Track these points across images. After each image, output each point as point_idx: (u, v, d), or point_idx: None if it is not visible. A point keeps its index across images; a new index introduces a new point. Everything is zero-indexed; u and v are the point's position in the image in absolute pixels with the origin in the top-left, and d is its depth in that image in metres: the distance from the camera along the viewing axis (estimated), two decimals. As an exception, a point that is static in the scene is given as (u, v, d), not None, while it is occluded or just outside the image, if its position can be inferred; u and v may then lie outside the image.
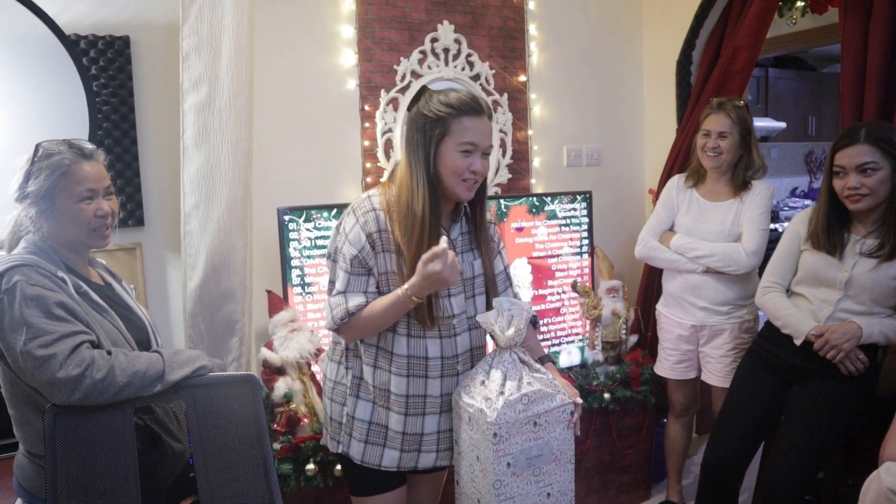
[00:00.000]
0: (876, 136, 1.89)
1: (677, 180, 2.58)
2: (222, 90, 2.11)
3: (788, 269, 2.14)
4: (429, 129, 1.56)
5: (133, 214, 2.24)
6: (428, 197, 1.56)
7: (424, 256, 1.50)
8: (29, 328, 1.31)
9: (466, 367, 1.69)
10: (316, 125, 2.55)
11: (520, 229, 2.67)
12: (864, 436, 2.20)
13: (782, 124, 5.60)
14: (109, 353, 1.37)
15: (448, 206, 1.68)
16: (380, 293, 1.63)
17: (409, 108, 1.65)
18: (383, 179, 2.67)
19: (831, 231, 2.01)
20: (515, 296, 1.84)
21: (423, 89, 1.63)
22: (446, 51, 2.77)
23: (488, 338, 1.71)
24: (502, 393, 1.50)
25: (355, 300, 1.60)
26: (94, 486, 1.37)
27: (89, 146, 1.53)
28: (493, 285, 1.77)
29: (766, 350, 2.16)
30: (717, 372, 2.48)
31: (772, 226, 2.41)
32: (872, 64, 2.30)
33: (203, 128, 2.10)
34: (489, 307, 1.73)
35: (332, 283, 1.66)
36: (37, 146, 1.46)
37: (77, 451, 1.37)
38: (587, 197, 2.83)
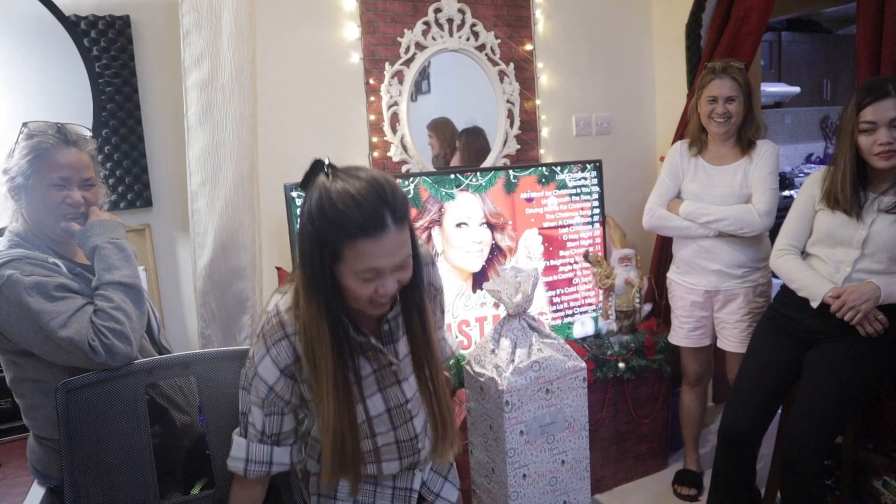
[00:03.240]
0: None
1: (680, 146, 2.54)
2: (224, 66, 2.09)
3: (803, 231, 2.10)
4: (318, 248, 1.17)
5: (141, 195, 2.23)
6: (331, 328, 1.21)
7: None
8: (41, 314, 1.32)
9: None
10: (321, 100, 2.53)
11: (529, 200, 2.65)
12: (884, 399, 2.17)
13: (796, 89, 5.49)
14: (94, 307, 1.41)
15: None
16: (298, 424, 1.38)
17: (302, 187, 1.23)
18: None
19: (850, 190, 1.97)
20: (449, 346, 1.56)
21: (316, 169, 1.22)
22: (450, 21, 2.72)
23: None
24: (512, 360, 1.49)
25: (280, 461, 1.34)
26: (108, 463, 1.39)
27: (77, 133, 1.49)
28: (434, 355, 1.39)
29: (783, 314, 2.13)
30: (733, 338, 2.45)
31: (786, 193, 2.37)
32: (889, 21, 2.23)
33: (206, 105, 2.09)
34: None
35: (243, 415, 1.33)
36: (23, 125, 1.45)
37: (90, 429, 1.38)
38: (597, 166, 2.79)
